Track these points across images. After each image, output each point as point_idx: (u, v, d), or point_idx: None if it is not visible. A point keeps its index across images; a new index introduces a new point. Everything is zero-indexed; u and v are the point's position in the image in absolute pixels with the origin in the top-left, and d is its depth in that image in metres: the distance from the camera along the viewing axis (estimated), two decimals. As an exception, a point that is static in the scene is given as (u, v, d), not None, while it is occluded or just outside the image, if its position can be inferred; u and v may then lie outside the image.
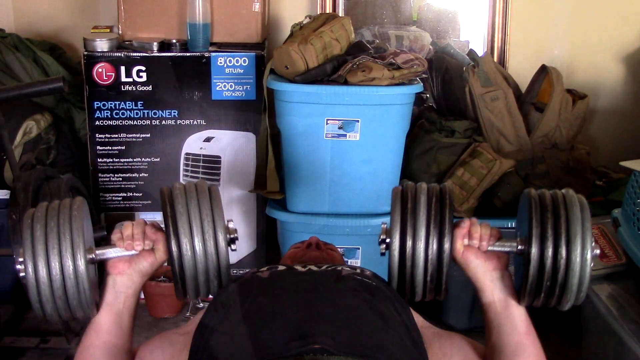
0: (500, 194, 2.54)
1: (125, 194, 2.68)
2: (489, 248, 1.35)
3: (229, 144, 2.64)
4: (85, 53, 2.53)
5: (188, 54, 2.56)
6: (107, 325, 1.34)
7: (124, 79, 2.54)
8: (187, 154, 2.65)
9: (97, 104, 2.57)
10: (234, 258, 2.74)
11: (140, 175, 2.67)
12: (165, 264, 1.38)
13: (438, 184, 1.37)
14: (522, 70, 2.96)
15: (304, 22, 2.48)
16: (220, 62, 2.56)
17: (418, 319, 1.40)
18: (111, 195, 2.68)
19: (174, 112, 2.60)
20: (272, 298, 1.31)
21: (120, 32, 2.62)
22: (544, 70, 2.71)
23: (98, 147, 2.62)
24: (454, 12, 3.19)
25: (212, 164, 2.65)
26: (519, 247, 1.33)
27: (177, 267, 1.29)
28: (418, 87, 2.38)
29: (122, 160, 2.64)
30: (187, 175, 2.67)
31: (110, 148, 2.63)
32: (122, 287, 1.36)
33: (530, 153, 2.62)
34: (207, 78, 2.57)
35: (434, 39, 3.08)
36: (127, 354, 1.37)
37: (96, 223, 2.36)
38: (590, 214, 1.28)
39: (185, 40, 2.57)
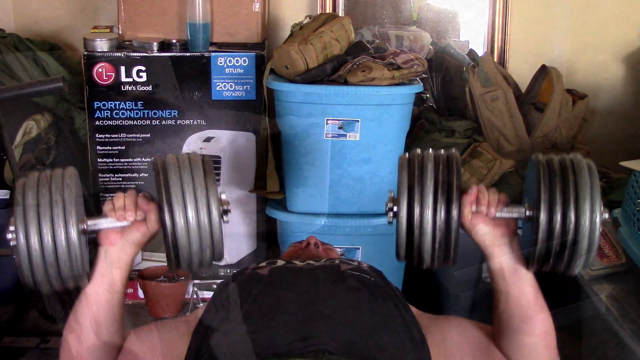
0: (500, 194, 2.54)
1: (125, 194, 2.68)
2: (497, 214, 1.33)
3: (229, 144, 2.64)
4: (85, 53, 2.53)
5: (188, 54, 2.56)
6: (98, 296, 1.32)
7: (124, 79, 2.54)
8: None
9: (97, 104, 2.56)
10: (234, 258, 2.74)
11: (140, 175, 2.66)
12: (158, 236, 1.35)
13: (445, 151, 1.34)
14: (522, 70, 2.96)
15: (304, 22, 2.48)
16: (220, 62, 2.56)
17: (413, 309, 1.39)
18: (111, 195, 2.66)
19: (174, 112, 2.60)
20: (272, 298, 1.31)
21: (120, 32, 2.62)
22: (544, 70, 2.71)
23: (98, 147, 2.61)
24: (454, 12, 3.19)
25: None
26: (527, 212, 1.30)
27: (170, 236, 1.26)
28: (418, 87, 2.38)
29: (122, 160, 2.64)
30: (187, 175, 2.66)
31: (110, 148, 2.62)
32: (114, 258, 1.33)
33: (530, 153, 2.60)
34: (207, 78, 2.57)
35: (434, 39, 3.08)
36: (118, 325, 1.35)
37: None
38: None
39: (185, 40, 2.57)
